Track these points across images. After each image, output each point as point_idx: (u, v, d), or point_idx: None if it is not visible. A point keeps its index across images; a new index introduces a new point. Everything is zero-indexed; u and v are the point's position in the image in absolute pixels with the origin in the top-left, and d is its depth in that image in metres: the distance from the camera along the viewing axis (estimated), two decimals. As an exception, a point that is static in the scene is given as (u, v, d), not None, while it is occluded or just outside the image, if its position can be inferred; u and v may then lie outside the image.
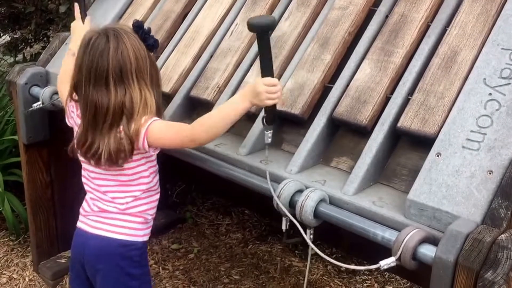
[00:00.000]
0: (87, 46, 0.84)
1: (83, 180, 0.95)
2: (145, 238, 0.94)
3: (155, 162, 0.93)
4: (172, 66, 1.18)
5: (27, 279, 1.51)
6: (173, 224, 1.76)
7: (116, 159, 0.84)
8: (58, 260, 1.51)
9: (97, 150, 0.84)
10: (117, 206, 0.90)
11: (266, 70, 0.81)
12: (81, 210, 0.96)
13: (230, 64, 1.09)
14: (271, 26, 0.81)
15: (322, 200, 0.79)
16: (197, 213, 1.85)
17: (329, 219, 0.78)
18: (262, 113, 0.97)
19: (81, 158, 0.91)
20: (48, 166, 1.46)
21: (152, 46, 0.87)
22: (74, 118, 0.95)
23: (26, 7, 2.08)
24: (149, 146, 0.86)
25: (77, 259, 0.94)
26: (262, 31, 0.78)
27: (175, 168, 1.58)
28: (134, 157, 0.87)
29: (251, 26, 0.79)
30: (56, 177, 1.48)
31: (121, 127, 0.83)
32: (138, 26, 0.86)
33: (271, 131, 0.87)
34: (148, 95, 0.85)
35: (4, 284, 1.49)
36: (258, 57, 0.84)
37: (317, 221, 0.79)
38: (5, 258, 1.59)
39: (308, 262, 0.84)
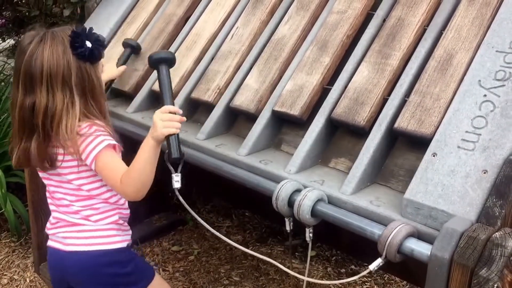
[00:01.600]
0: (19, 44, 0.85)
1: (48, 200, 0.92)
2: (124, 244, 0.90)
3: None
4: (174, 68, 1.20)
5: (28, 280, 1.51)
6: (173, 226, 1.76)
7: (28, 164, 0.83)
8: (59, 261, 1.52)
9: (16, 154, 0.83)
10: (85, 219, 0.87)
11: (165, 98, 0.81)
12: (46, 230, 0.93)
13: (230, 67, 1.11)
14: (170, 59, 0.84)
15: (320, 200, 0.80)
16: (197, 215, 1.85)
17: (327, 218, 0.79)
18: (265, 114, 0.98)
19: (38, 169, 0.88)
20: (51, 167, 1.48)
21: (83, 56, 0.82)
22: None
23: (30, 10, 2.11)
24: (95, 170, 0.83)
25: (59, 277, 0.91)
26: (159, 64, 0.83)
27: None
28: (88, 173, 0.84)
29: (151, 61, 0.83)
30: (58, 179, 1.50)
31: (35, 137, 0.81)
32: (74, 35, 0.81)
33: (179, 174, 0.81)
34: (64, 108, 0.80)
35: (5, 285, 1.50)
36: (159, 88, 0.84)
37: (315, 220, 0.80)
38: (6, 259, 1.60)
39: (308, 261, 0.85)
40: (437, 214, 0.73)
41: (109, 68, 1.16)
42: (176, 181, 0.82)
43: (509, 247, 0.62)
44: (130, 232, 0.94)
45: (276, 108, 0.99)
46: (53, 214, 0.91)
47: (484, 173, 0.72)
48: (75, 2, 1.82)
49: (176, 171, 0.82)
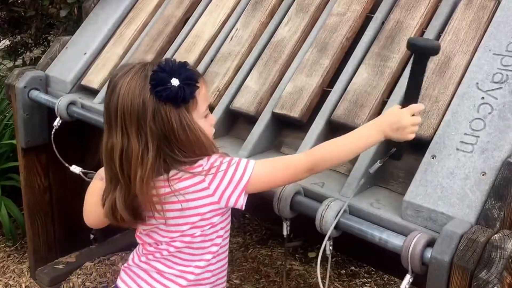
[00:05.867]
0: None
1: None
2: None
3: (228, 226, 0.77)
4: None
5: (23, 286, 1.49)
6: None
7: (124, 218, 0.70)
8: (55, 266, 1.49)
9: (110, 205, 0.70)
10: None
11: (412, 96, 0.71)
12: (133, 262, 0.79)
13: (230, 68, 1.11)
14: (435, 50, 0.70)
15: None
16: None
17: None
18: (265, 116, 0.97)
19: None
20: (47, 170, 1.45)
21: (159, 97, 0.66)
22: None
23: (26, 11, 2.09)
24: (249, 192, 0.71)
25: None
26: (423, 54, 0.69)
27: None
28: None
29: (413, 47, 0.69)
30: (55, 182, 1.47)
31: (120, 184, 0.69)
32: (157, 69, 0.67)
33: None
34: (136, 154, 0.66)
35: (0, 290, 1.48)
36: (408, 81, 0.72)
37: (337, 231, 0.76)
38: (1, 264, 1.57)
39: (327, 276, 0.81)
40: (437, 216, 0.73)
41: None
42: (375, 168, 0.76)
43: (508, 249, 0.63)
44: None
45: (276, 110, 0.99)
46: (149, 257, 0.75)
47: (483, 175, 0.73)
48: (72, 2, 1.81)
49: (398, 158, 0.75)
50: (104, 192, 0.74)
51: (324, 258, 1.88)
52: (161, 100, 0.67)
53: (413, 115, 0.73)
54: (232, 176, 0.71)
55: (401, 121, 0.71)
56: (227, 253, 0.80)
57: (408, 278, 0.68)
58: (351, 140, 0.73)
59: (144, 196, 0.69)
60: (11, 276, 1.53)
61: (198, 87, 0.70)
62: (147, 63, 0.71)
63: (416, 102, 0.74)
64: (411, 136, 0.72)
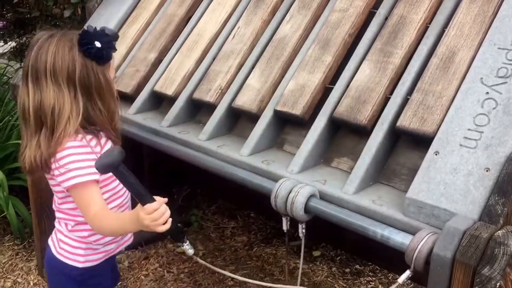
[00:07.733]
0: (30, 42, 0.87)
1: None
2: (87, 264, 0.90)
3: (108, 188, 0.86)
4: (175, 69, 1.21)
5: (31, 283, 1.51)
6: (177, 227, 1.76)
7: (36, 168, 0.81)
8: (63, 263, 1.52)
9: (24, 156, 0.82)
10: (62, 225, 0.90)
11: (140, 198, 0.74)
12: None
13: (232, 67, 1.11)
14: (117, 162, 0.72)
15: (312, 195, 0.80)
16: (202, 216, 1.85)
17: (328, 218, 0.79)
18: (267, 114, 0.97)
19: None
20: (54, 168, 1.47)
21: (89, 54, 0.81)
22: None
23: (31, 11, 2.12)
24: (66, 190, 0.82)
25: None
26: (114, 168, 0.72)
27: (180, 171, 1.59)
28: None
29: (101, 168, 0.72)
30: (61, 180, 1.50)
31: (41, 135, 0.80)
32: (83, 33, 0.82)
33: (186, 242, 0.86)
34: (68, 103, 0.80)
35: (9, 288, 1.51)
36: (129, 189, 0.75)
37: (307, 216, 0.80)
38: (9, 262, 1.59)
39: (301, 258, 0.85)
40: (440, 212, 0.72)
41: None
42: (189, 248, 0.87)
43: (511, 245, 0.62)
44: (101, 252, 0.91)
45: (278, 108, 0.99)
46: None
47: (487, 171, 0.72)
48: (76, 2, 1.83)
49: (183, 241, 0.86)
50: (24, 146, 0.83)
51: (329, 258, 1.86)
52: (88, 57, 0.81)
53: (155, 210, 0.75)
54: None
55: (143, 223, 0.77)
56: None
57: (407, 274, 0.68)
58: (122, 220, 0.82)
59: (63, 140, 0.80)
60: (19, 274, 1.56)
61: (116, 50, 0.85)
62: (61, 30, 0.84)
63: (148, 199, 0.75)
64: (161, 228, 0.76)
